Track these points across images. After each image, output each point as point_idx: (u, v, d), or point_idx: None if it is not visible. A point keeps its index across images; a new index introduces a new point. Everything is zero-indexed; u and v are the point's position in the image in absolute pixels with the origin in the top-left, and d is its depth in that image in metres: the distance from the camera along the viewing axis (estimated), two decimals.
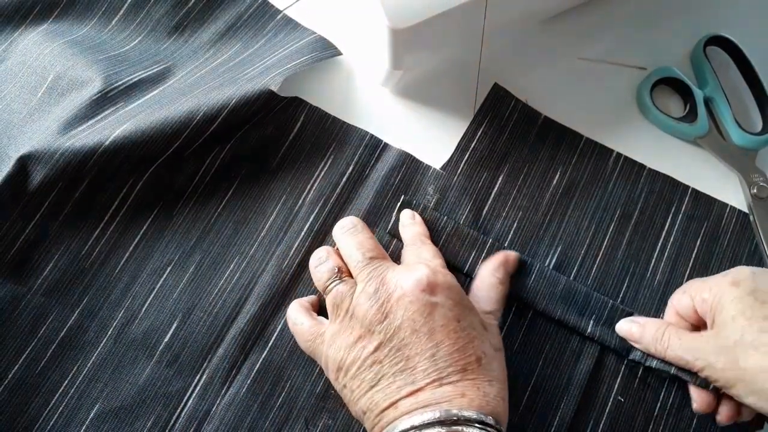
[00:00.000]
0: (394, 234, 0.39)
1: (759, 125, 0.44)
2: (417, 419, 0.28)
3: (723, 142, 0.43)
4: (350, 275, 0.34)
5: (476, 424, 0.28)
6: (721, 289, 0.33)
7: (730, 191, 0.42)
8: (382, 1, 0.34)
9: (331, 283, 0.33)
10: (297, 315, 0.35)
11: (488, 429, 0.28)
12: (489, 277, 0.36)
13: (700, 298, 0.34)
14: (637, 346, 0.36)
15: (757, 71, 0.44)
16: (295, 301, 0.36)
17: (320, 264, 0.35)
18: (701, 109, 0.43)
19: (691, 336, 0.34)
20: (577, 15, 0.46)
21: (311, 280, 0.37)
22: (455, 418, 0.28)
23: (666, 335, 0.35)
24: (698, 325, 0.36)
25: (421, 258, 0.34)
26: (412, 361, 0.29)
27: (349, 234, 0.35)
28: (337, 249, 0.36)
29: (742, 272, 0.34)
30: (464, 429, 0.27)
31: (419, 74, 0.43)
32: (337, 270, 0.34)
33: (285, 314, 0.37)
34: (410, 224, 0.38)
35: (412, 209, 0.39)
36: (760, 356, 0.30)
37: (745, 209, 0.42)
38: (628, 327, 0.37)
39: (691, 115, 0.43)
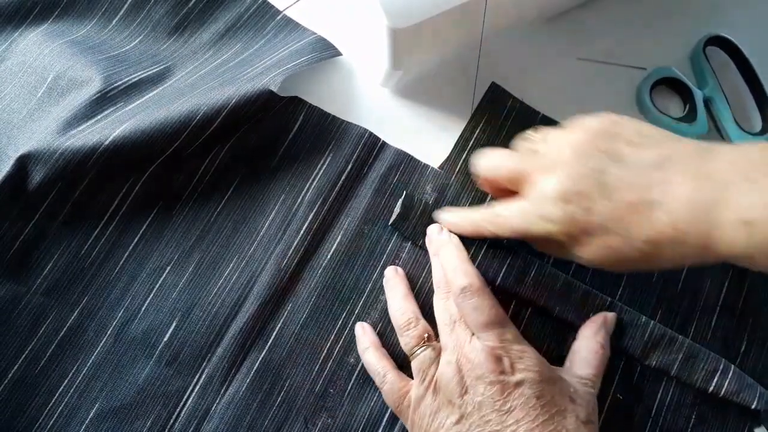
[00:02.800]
0: (395, 228, 0.39)
1: (758, 125, 0.44)
2: None
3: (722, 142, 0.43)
4: (437, 339, 0.35)
5: None
6: None
7: None
8: (382, 1, 0.34)
9: (418, 348, 0.34)
10: (381, 366, 0.35)
11: None
12: (591, 340, 0.35)
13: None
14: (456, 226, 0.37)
15: (757, 71, 0.44)
16: (371, 346, 0.36)
17: (410, 329, 0.35)
18: (701, 110, 0.43)
19: None
20: (577, 15, 0.46)
21: (310, 279, 0.38)
22: None
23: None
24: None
25: (494, 325, 0.33)
26: None
27: (445, 296, 0.35)
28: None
29: None
30: None
31: (418, 74, 0.43)
32: (426, 336, 0.34)
33: (286, 314, 0.37)
34: (464, 268, 0.35)
35: (413, 205, 0.39)
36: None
37: None
38: (446, 215, 0.37)
39: (690, 116, 0.43)
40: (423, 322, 0.35)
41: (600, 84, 0.44)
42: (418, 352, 0.34)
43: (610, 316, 0.37)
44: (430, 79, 0.43)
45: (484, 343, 0.32)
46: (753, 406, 0.36)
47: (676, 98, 0.45)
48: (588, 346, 0.35)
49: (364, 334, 0.36)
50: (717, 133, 0.43)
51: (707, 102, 0.44)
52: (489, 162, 0.35)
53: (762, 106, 0.44)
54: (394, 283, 0.37)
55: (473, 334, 0.33)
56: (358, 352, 0.37)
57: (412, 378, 0.34)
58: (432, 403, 0.32)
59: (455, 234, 0.37)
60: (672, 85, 0.45)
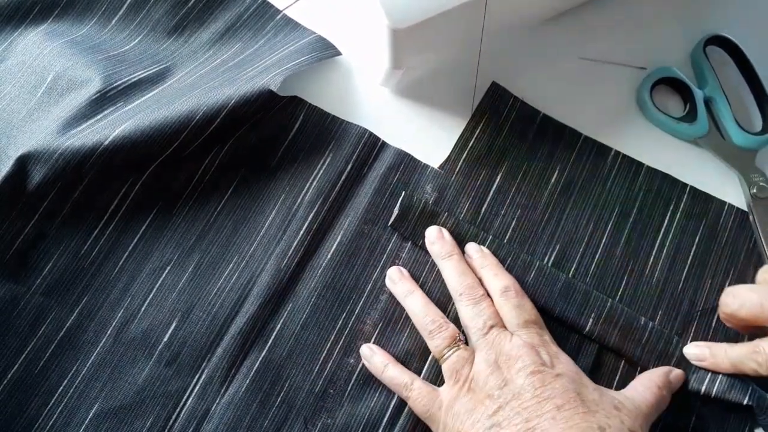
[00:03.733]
0: (395, 229, 0.39)
1: (759, 125, 0.44)
2: None
3: (723, 142, 0.43)
4: (466, 342, 0.35)
5: None
6: None
7: (729, 191, 0.42)
8: (382, 1, 0.34)
9: (449, 350, 0.34)
10: (408, 375, 0.35)
11: None
12: (648, 380, 0.35)
13: None
14: (705, 365, 0.36)
15: (757, 71, 0.44)
16: (390, 362, 0.35)
17: (441, 331, 0.35)
18: (701, 109, 0.43)
19: None
20: (577, 15, 0.46)
21: (310, 279, 0.38)
22: None
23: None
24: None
25: (534, 324, 0.34)
26: (531, 423, 0.30)
27: (474, 302, 0.35)
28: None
29: None
30: None
31: (418, 74, 0.43)
32: (458, 337, 0.35)
33: (286, 314, 0.37)
34: (501, 271, 0.36)
35: (412, 205, 0.39)
36: None
37: (745, 209, 0.42)
38: (699, 351, 0.36)
39: (690, 115, 0.43)
40: (452, 325, 0.35)
41: (600, 84, 0.44)
42: (450, 353, 0.34)
43: (675, 373, 0.36)
44: (430, 79, 0.43)
45: (524, 339, 0.33)
46: (744, 402, 0.35)
47: (676, 98, 0.45)
48: (644, 382, 0.35)
49: (375, 354, 0.36)
50: (717, 132, 0.43)
51: (707, 102, 0.44)
52: (746, 302, 0.34)
53: (762, 105, 0.44)
54: (407, 287, 0.37)
55: (512, 334, 0.33)
56: (364, 361, 0.36)
57: (437, 386, 0.35)
58: (468, 402, 0.32)
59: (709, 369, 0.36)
60: (672, 84, 0.45)
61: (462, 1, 0.34)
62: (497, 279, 0.36)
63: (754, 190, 0.41)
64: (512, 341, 0.33)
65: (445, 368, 0.34)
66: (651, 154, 0.43)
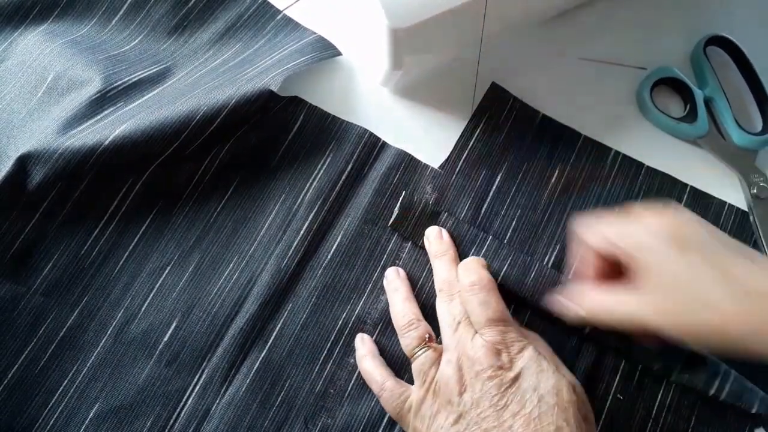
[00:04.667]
0: (395, 229, 0.39)
1: (759, 125, 0.44)
2: None
3: (723, 142, 0.43)
4: (438, 342, 0.35)
5: None
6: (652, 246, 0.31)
7: (730, 191, 0.42)
8: (381, 1, 0.34)
9: (419, 349, 0.34)
10: (379, 373, 0.35)
11: None
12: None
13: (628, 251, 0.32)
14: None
15: (757, 71, 0.44)
16: (368, 354, 0.36)
17: (410, 330, 0.35)
18: (701, 110, 0.43)
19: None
20: (577, 15, 0.46)
21: (311, 279, 0.38)
22: None
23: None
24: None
25: (498, 321, 0.33)
26: None
27: (449, 298, 0.35)
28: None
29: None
30: None
31: (418, 74, 0.43)
32: (427, 337, 0.34)
33: (286, 314, 0.37)
34: (476, 268, 0.35)
35: (413, 206, 0.39)
36: None
37: (745, 209, 0.42)
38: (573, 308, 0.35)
39: (691, 116, 0.43)
40: (424, 324, 0.35)
41: (600, 84, 0.44)
42: (419, 353, 0.34)
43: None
44: (430, 79, 0.43)
45: (486, 338, 0.32)
46: (754, 410, 0.35)
47: (676, 98, 0.45)
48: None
49: (363, 344, 0.36)
50: (717, 133, 0.43)
51: (708, 102, 0.44)
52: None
53: (762, 105, 0.44)
54: (395, 285, 0.37)
55: (476, 333, 0.33)
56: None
57: (412, 384, 0.34)
58: (432, 405, 0.32)
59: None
60: (672, 85, 0.45)
61: (462, 1, 0.34)
62: (467, 274, 0.35)
63: (755, 191, 0.41)
64: (474, 341, 0.33)
65: (414, 368, 0.34)
66: (651, 155, 0.43)
